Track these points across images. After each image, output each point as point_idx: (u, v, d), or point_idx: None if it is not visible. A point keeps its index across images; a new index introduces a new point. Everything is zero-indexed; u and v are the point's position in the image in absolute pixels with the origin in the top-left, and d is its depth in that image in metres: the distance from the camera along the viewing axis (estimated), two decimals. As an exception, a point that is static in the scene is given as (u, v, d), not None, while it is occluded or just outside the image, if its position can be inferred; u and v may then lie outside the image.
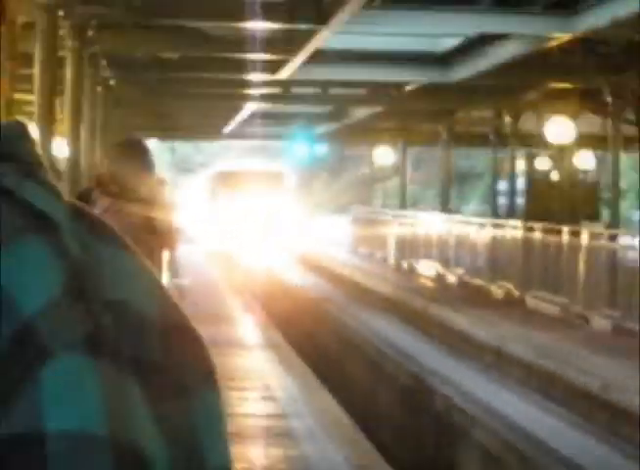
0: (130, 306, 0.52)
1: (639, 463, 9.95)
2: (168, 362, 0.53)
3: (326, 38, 14.61)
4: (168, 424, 0.51)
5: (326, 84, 21.81)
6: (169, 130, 30.99)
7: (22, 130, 0.59)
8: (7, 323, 0.48)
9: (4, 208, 0.51)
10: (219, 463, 0.55)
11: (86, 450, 0.48)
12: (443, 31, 16.78)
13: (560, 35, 15.20)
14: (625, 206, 28.87)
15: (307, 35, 14.26)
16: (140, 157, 6.03)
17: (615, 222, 20.34)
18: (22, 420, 0.48)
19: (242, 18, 14.03)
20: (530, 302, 17.13)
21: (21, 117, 0.66)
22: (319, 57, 16.72)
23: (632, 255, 15.21)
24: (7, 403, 0.49)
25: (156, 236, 6.29)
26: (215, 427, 0.55)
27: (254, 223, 27.93)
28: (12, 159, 0.55)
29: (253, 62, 17.56)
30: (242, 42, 15.94)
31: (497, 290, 18.53)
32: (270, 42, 15.34)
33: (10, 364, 0.48)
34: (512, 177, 25.08)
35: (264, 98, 23.56)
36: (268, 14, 13.44)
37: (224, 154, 37.03)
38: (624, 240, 16.68)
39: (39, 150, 0.59)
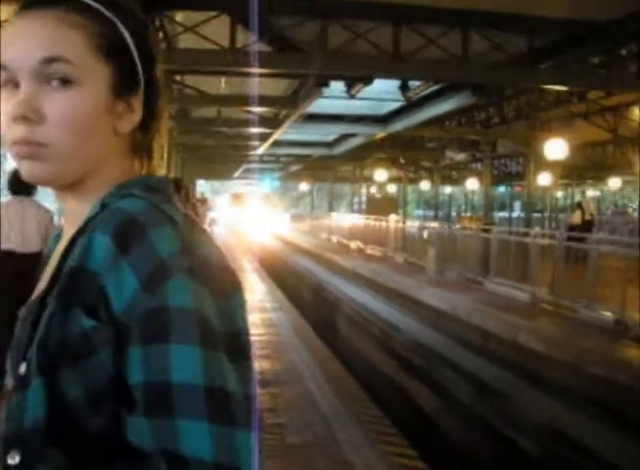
0: (211, 260, 0.95)
1: (399, 310, 13.61)
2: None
3: (278, 134, 20.76)
4: None
5: (278, 156, 33.33)
6: (208, 175, 47.53)
7: (168, 181, 1.05)
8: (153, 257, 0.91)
9: (153, 213, 0.94)
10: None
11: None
12: (329, 132, 24.88)
13: (380, 133, 22.25)
14: (410, 208, 44.58)
15: (269, 134, 20.98)
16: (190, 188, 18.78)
17: (405, 216, 31.41)
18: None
19: (245, 125, 20.18)
20: (369, 250, 22.86)
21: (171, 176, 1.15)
22: (275, 143, 23.91)
23: (412, 229, 21.33)
24: None
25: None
26: None
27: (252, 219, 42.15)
28: (160, 192, 1.01)
29: (245, 147, 25.66)
30: (243, 140, 23.52)
31: (354, 245, 25.08)
32: (254, 137, 21.82)
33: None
34: (359, 195, 41.36)
35: (250, 162, 33.55)
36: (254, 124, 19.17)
37: (234, 185, 56.50)
38: (409, 223, 23.79)
39: (175, 192, 1.05)
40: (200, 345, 0.88)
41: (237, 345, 0.93)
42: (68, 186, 1.04)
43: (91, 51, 0.99)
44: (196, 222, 0.99)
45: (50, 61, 0.97)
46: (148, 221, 0.93)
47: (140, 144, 1.07)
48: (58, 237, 1.13)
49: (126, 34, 1.02)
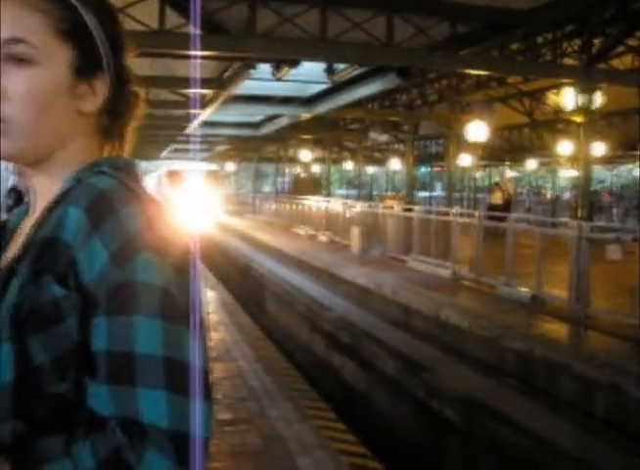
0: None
1: (325, 288, 13.77)
2: None
3: (205, 115, 21.10)
4: None
5: (205, 136, 31.51)
6: (135, 156, 42.01)
7: (134, 163, 1.09)
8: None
9: (122, 190, 1.00)
10: None
11: None
12: (256, 113, 24.51)
13: (306, 114, 22.37)
14: (334, 188, 44.25)
15: (194, 115, 21.63)
16: None
17: (328, 195, 30.43)
18: None
19: (173, 106, 19.44)
20: (296, 230, 23.07)
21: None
22: (203, 123, 24.34)
23: (331, 207, 21.34)
24: None
25: None
26: None
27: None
28: (127, 172, 1.06)
29: (173, 127, 25.04)
30: (171, 120, 23.10)
31: (281, 225, 25.48)
32: (182, 118, 22.38)
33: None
34: (284, 176, 41.09)
35: (178, 142, 33.74)
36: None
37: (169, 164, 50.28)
38: (332, 202, 23.34)
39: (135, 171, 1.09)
40: (162, 318, 0.92)
41: (198, 318, 0.97)
42: (35, 163, 1.07)
43: (51, 33, 1.02)
44: (158, 201, 1.04)
45: (11, 42, 1.00)
46: (118, 198, 0.98)
47: (108, 127, 1.12)
48: (22, 212, 1.16)
49: (90, 20, 1.05)
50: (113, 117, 1.12)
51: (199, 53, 10.87)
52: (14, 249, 1.05)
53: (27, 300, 0.95)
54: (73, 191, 1.01)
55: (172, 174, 37.85)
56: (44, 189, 1.09)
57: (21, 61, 1.01)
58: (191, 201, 32.97)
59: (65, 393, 0.95)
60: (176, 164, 43.00)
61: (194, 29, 10.29)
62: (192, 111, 20.91)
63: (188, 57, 11.48)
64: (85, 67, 1.06)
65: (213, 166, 46.42)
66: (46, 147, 1.06)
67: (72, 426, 0.93)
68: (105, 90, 1.09)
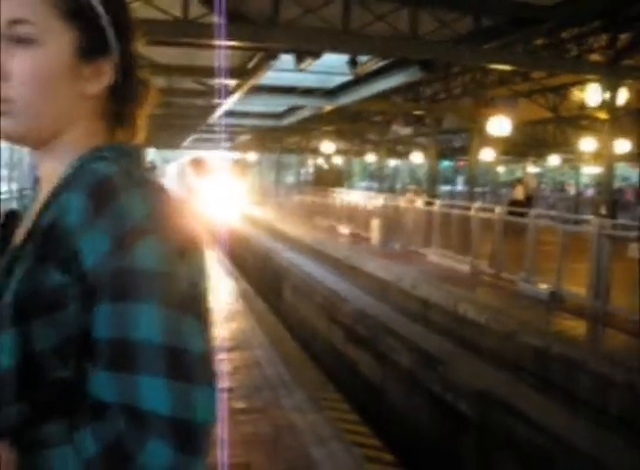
0: None
1: (345, 280, 13.92)
2: None
3: (228, 105, 20.49)
4: None
5: (228, 126, 30.64)
6: (157, 144, 38.35)
7: (140, 148, 1.08)
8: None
9: (125, 176, 1.00)
10: None
11: None
12: (279, 104, 23.83)
13: (329, 106, 21.58)
14: (356, 180, 44.67)
15: (217, 105, 21.06)
16: None
17: (350, 188, 31.66)
18: None
19: (195, 95, 20.10)
20: (320, 222, 22.40)
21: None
22: (226, 113, 23.68)
23: (352, 199, 21.81)
24: None
25: None
26: None
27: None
28: (132, 158, 1.06)
29: (195, 116, 24.45)
30: (193, 110, 22.68)
31: (303, 217, 24.86)
32: (204, 108, 22.03)
33: None
34: (306, 167, 40.89)
35: (200, 132, 32.29)
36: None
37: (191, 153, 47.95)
38: (353, 194, 24.24)
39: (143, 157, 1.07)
40: (162, 304, 0.92)
41: (201, 305, 0.98)
42: (40, 145, 1.08)
43: (55, 14, 1.02)
44: (164, 187, 1.03)
45: (15, 22, 1.00)
46: (121, 184, 0.97)
47: (117, 112, 1.11)
48: (33, 196, 1.16)
49: (96, 2, 1.05)
50: (121, 103, 1.11)
51: (222, 43, 10.86)
52: (20, 235, 1.06)
53: (31, 286, 0.95)
54: (76, 176, 1.01)
55: (197, 163, 35.13)
56: (50, 174, 1.08)
57: (24, 41, 1.01)
58: (216, 191, 31.49)
59: (67, 379, 0.96)
60: (201, 153, 39.16)
61: (218, 19, 10.31)
62: (215, 100, 20.89)
63: (211, 46, 11.47)
64: (89, 48, 1.06)
65: (239, 155, 44.31)
66: (49, 128, 1.05)
67: (75, 412, 0.94)
68: (110, 73, 1.08)
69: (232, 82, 17.33)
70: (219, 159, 38.34)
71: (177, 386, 0.90)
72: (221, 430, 5.15)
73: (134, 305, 0.92)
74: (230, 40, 10.78)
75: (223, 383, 6.67)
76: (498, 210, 12.41)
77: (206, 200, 29.66)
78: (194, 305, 0.96)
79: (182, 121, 26.48)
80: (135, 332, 0.91)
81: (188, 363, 0.92)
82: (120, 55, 1.09)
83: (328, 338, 12.32)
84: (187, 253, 0.97)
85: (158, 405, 0.90)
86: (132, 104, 1.13)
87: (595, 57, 14.67)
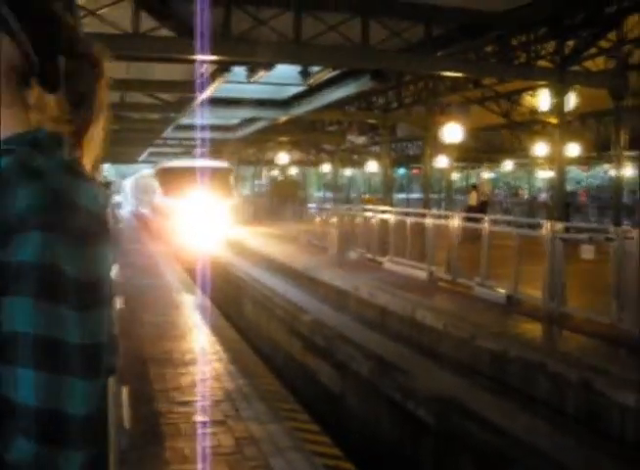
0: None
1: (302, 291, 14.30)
2: None
3: (181, 119, 22.15)
4: None
5: (182, 139, 31.56)
6: (113, 159, 39.11)
7: (56, 136, 1.01)
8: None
9: (20, 169, 0.94)
10: None
11: None
12: (232, 116, 25.38)
13: (282, 117, 23.05)
14: (312, 190, 44.90)
15: (174, 118, 22.28)
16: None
17: (306, 198, 32.45)
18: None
19: (149, 109, 21.29)
20: (276, 232, 24.79)
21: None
22: (180, 127, 25.00)
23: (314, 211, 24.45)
24: None
25: None
26: None
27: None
28: (43, 146, 1.00)
29: (150, 130, 25.48)
30: (147, 124, 23.96)
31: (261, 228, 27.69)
32: (158, 121, 23.75)
33: None
34: (261, 178, 40.94)
35: (155, 145, 33.03)
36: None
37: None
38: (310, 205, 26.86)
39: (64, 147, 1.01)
40: (34, 296, 0.90)
41: (94, 294, 0.95)
42: None
43: None
44: (80, 174, 1.00)
45: None
46: (12, 178, 0.94)
47: (40, 101, 1.05)
48: None
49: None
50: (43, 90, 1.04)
51: (174, 56, 10.85)
52: None
53: None
54: None
55: (167, 173, 25.04)
56: None
57: None
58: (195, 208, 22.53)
59: None
60: (173, 161, 28.06)
61: (168, 33, 10.30)
62: (170, 114, 20.94)
63: (163, 60, 11.44)
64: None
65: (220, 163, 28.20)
66: None
67: None
68: (10, 50, 1.00)
69: (184, 95, 17.33)
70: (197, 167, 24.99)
71: (46, 377, 0.89)
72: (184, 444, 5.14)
73: (4, 299, 0.90)
74: (182, 54, 10.77)
75: (183, 396, 6.65)
76: (452, 216, 12.52)
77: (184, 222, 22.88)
78: (86, 294, 0.94)
79: (137, 135, 26.43)
80: (4, 324, 0.90)
81: (60, 354, 0.90)
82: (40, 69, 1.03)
83: (288, 349, 12.28)
84: (83, 240, 0.95)
85: (26, 396, 0.89)
86: (56, 92, 1.05)
87: (543, 63, 14.93)
